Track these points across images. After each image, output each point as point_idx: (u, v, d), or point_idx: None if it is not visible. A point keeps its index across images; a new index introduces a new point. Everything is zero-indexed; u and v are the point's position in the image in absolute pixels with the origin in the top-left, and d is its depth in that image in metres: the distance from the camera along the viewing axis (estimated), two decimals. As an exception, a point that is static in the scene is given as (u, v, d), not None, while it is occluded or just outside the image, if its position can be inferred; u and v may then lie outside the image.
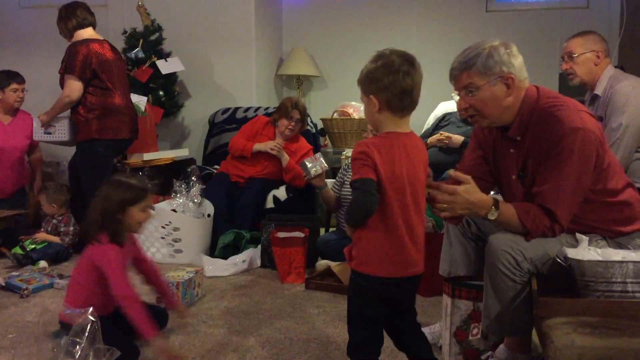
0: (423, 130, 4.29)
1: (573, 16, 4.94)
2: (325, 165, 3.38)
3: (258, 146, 4.04)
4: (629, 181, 2.11)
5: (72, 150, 4.10)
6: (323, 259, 3.60)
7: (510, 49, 1.96)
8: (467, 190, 1.78)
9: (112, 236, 2.24)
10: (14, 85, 4.25)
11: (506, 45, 1.96)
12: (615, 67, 3.19)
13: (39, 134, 3.97)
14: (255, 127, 4.20)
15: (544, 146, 1.95)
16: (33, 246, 3.71)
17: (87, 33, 3.83)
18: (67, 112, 3.85)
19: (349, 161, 3.71)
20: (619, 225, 2.03)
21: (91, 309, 1.75)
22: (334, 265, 3.38)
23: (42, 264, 3.62)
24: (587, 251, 1.86)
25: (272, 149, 3.99)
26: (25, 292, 3.10)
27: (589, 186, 1.97)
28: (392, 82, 1.74)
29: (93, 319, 1.71)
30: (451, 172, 1.79)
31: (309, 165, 3.34)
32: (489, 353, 2.23)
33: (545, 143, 1.95)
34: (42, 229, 3.92)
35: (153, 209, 2.25)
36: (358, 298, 1.81)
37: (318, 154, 3.45)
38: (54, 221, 3.92)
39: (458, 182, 1.89)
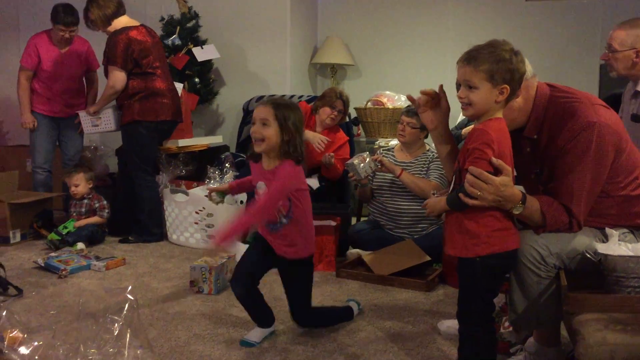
0: (458, 121, 4.26)
1: (615, 5, 4.80)
2: (374, 164, 3.38)
3: (308, 134, 3.86)
4: None
5: (112, 136, 4.18)
6: (354, 248, 3.61)
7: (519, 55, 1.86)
8: (503, 183, 1.75)
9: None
10: (60, 26, 4.20)
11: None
12: None
13: (87, 128, 4.13)
14: (303, 112, 4.12)
15: (560, 142, 1.92)
16: (67, 230, 3.81)
17: (122, 21, 3.90)
18: (112, 103, 3.95)
19: (380, 151, 3.72)
20: None
21: (130, 287, 1.79)
22: (365, 254, 3.39)
23: (80, 245, 3.71)
24: (617, 246, 1.83)
25: (319, 144, 3.83)
26: (64, 272, 3.19)
27: (609, 179, 1.93)
28: (524, 73, 1.82)
29: (131, 297, 1.76)
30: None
31: (361, 165, 3.33)
32: (519, 346, 2.22)
33: (561, 139, 1.92)
34: (74, 214, 3.97)
35: None
36: (486, 280, 1.86)
37: (366, 154, 3.44)
38: (86, 201, 4.00)
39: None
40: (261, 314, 2.42)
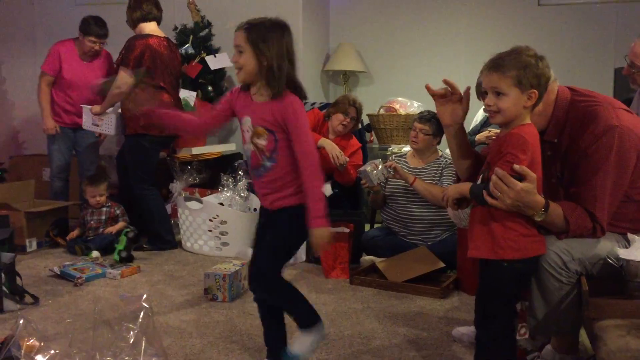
0: (471, 127, 4.24)
1: (630, 10, 4.76)
2: (386, 171, 3.37)
3: (326, 143, 3.78)
4: None
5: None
6: (368, 254, 3.60)
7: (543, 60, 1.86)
8: (526, 189, 1.72)
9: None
10: (92, 38, 4.24)
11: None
12: None
13: (87, 124, 4.14)
14: (316, 119, 4.14)
15: (582, 146, 1.91)
16: (120, 248, 3.73)
17: (149, 27, 3.92)
18: (116, 108, 3.98)
19: (393, 157, 3.71)
20: None
21: (145, 295, 1.80)
22: (378, 261, 3.38)
23: (95, 254, 3.74)
24: (639, 252, 1.81)
25: (336, 157, 3.73)
26: (79, 280, 3.21)
27: (631, 184, 1.92)
28: (549, 77, 1.81)
29: (147, 305, 1.76)
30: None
31: (373, 172, 3.32)
32: (536, 354, 2.19)
33: (582, 143, 1.91)
34: (91, 222, 3.96)
35: None
36: (512, 284, 1.85)
37: (378, 161, 3.44)
38: (105, 209, 4.01)
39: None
40: (298, 313, 2.18)
